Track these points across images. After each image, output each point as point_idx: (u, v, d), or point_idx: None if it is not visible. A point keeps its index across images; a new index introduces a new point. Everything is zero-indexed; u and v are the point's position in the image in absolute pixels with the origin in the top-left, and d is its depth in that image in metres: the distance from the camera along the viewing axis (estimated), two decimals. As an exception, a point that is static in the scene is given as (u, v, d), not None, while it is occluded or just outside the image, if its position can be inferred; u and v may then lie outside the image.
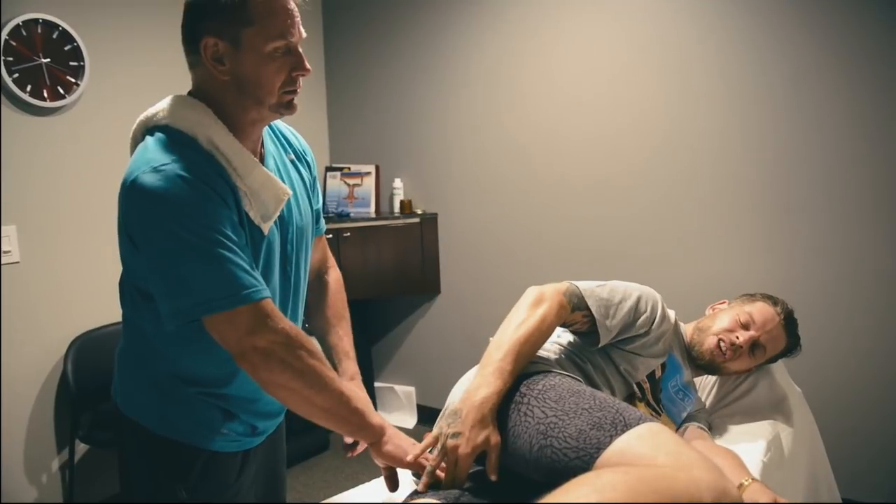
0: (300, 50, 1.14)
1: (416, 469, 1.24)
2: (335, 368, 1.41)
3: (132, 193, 1.06)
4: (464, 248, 3.39)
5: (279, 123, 1.35)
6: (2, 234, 2.43)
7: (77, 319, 2.64)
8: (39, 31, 2.47)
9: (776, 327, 1.65)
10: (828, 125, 2.41)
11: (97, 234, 2.70)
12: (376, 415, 1.23)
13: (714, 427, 1.72)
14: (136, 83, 2.80)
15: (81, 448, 2.67)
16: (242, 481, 1.33)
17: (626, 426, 1.04)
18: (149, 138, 1.13)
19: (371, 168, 3.57)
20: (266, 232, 1.18)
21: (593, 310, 1.40)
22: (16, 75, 2.42)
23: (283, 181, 1.25)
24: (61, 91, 2.55)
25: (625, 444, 1.02)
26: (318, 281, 1.52)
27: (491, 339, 1.32)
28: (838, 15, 2.34)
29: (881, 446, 2.45)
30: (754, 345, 1.62)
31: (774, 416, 1.76)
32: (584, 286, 1.44)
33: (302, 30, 1.14)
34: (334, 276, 1.54)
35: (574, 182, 3.00)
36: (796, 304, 2.53)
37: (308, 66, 1.14)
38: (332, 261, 1.56)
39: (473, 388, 1.22)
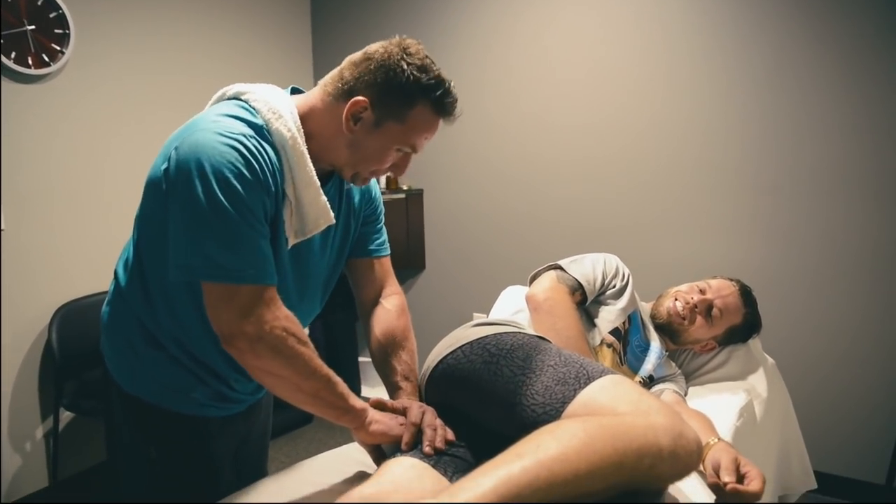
0: (411, 158, 1.26)
1: (404, 438, 1.22)
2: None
3: (188, 143, 1.05)
4: (449, 224, 3.41)
5: None
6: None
7: (62, 288, 2.64)
8: (24, -3, 2.45)
9: (732, 295, 1.77)
10: (810, 109, 2.45)
11: (81, 202, 2.70)
12: (358, 399, 1.22)
13: (688, 394, 1.76)
14: (122, 52, 2.79)
15: (66, 416, 2.68)
16: (217, 447, 1.33)
17: (590, 379, 1.08)
18: (232, 103, 1.15)
19: (358, 144, 3.57)
20: (289, 245, 1.19)
21: (584, 285, 1.64)
22: (0, 42, 2.40)
23: (334, 208, 1.27)
24: (46, 59, 2.53)
25: (588, 396, 1.05)
26: (375, 307, 1.46)
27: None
28: (822, 5, 2.37)
29: (855, 422, 2.50)
30: (710, 308, 1.73)
31: (748, 385, 1.81)
32: (569, 268, 1.67)
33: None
34: (394, 302, 1.47)
35: (559, 161, 3.03)
36: (773, 281, 2.58)
37: (405, 173, 1.29)
38: (393, 287, 1.50)
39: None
